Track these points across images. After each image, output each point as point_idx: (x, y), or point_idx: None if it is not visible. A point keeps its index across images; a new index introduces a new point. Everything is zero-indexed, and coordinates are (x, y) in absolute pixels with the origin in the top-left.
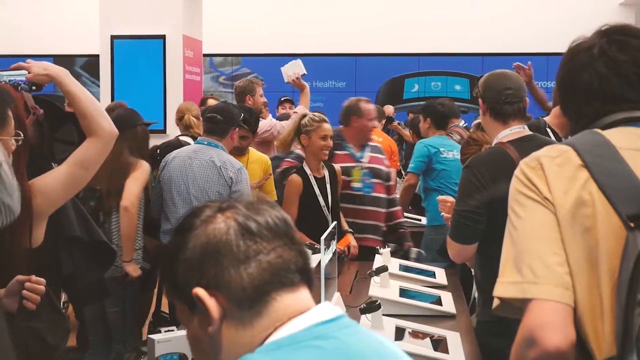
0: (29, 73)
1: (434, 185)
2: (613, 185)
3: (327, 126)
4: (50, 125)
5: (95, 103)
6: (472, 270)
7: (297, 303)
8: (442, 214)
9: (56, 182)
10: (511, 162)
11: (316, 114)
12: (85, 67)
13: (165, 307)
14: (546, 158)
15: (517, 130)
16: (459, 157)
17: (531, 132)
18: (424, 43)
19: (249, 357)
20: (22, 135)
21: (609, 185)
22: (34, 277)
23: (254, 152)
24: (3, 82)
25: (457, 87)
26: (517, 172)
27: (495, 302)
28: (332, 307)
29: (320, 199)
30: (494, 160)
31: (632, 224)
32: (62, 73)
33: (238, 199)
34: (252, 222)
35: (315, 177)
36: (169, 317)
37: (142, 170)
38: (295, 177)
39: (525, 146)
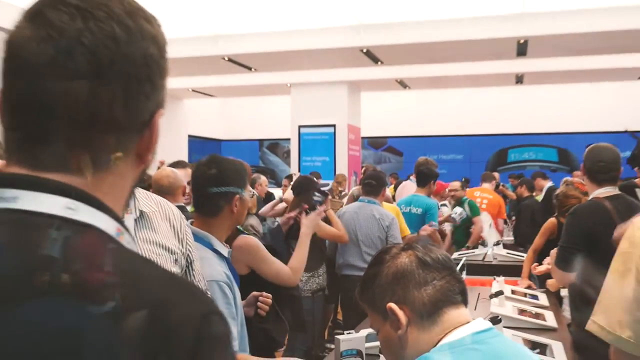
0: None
1: None
2: None
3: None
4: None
5: (304, 258)
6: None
7: (460, 316)
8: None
9: (244, 258)
10: (607, 212)
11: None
12: (269, 147)
13: (339, 316)
14: None
15: (610, 190)
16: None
17: (620, 192)
18: (521, 125)
19: (428, 356)
20: (253, 192)
21: None
22: (265, 293)
23: (385, 204)
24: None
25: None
26: (638, 236)
27: None
28: (485, 321)
29: None
30: (595, 210)
31: None
32: (309, 228)
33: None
34: (428, 257)
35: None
36: (342, 323)
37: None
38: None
39: (616, 202)
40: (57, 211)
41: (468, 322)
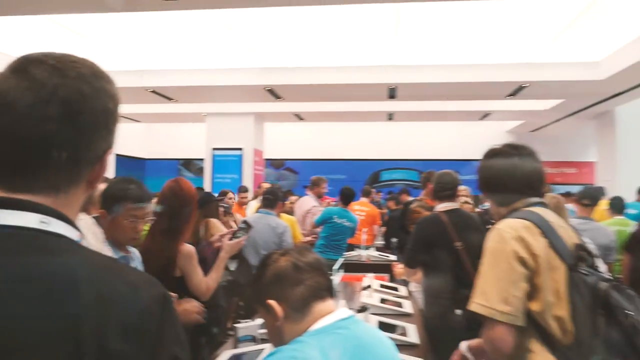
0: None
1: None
2: (559, 247)
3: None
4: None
5: (218, 278)
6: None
7: (326, 308)
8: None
9: (181, 261)
10: (443, 223)
11: None
12: (183, 164)
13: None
14: (524, 230)
15: (448, 205)
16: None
17: (456, 207)
18: (391, 152)
19: (299, 339)
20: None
21: (557, 247)
22: (173, 294)
23: (283, 215)
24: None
25: (410, 176)
26: (508, 236)
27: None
28: (347, 310)
29: None
30: (433, 221)
31: (572, 269)
32: (228, 253)
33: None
34: (300, 261)
35: None
36: (243, 313)
37: (214, 226)
38: None
39: (451, 215)
40: (34, 224)
41: (332, 312)
